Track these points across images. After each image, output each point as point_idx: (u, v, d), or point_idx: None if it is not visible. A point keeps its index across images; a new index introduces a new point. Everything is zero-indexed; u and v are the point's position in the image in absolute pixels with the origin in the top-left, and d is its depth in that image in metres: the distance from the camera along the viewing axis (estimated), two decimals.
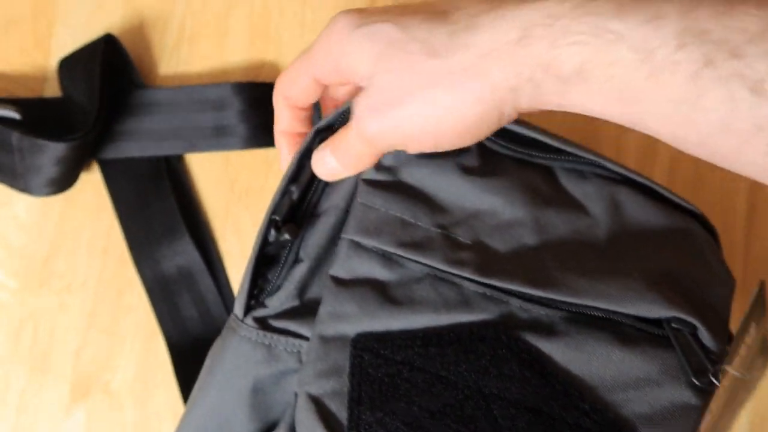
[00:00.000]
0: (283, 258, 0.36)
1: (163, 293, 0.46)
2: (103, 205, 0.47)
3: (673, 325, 0.32)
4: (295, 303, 0.36)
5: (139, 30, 0.48)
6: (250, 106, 0.47)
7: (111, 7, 0.48)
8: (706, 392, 0.32)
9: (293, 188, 0.35)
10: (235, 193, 0.47)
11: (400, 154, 0.36)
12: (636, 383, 0.31)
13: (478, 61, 0.29)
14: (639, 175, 0.36)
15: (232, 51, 0.48)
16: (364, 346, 0.33)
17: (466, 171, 0.35)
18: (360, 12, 0.32)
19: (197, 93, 0.47)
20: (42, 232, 0.46)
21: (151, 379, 0.46)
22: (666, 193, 0.36)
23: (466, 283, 0.33)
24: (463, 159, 0.36)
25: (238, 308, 0.36)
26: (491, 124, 0.30)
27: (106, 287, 0.46)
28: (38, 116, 0.46)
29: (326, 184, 0.36)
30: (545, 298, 0.33)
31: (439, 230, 0.34)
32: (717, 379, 0.31)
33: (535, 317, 0.33)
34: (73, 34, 0.48)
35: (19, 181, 0.45)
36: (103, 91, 0.45)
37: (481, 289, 0.33)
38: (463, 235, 0.34)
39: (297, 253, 0.36)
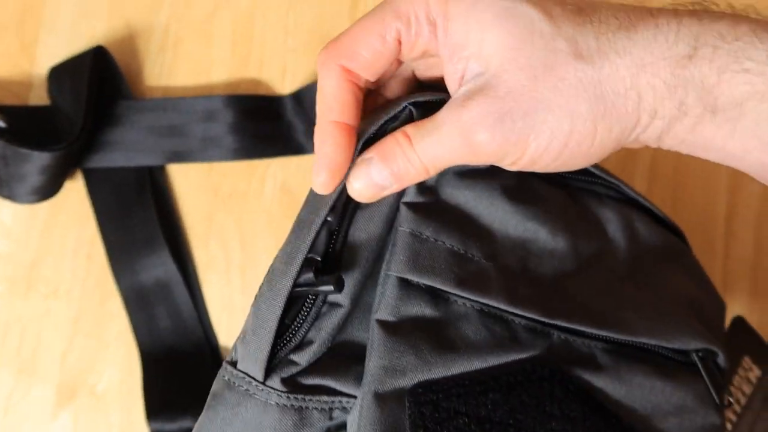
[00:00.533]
0: (310, 303, 0.30)
1: (139, 303, 0.47)
2: (87, 213, 0.47)
3: (700, 354, 0.33)
4: (324, 351, 0.31)
5: (125, 35, 0.48)
6: (240, 118, 0.47)
7: (96, 13, 0.48)
8: (723, 410, 0.33)
9: (330, 217, 0.29)
10: (218, 198, 0.48)
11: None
12: (675, 411, 0.32)
13: (631, 74, 0.25)
14: (641, 196, 0.35)
15: (216, 55, 0.48)
16: (423, 399, 0.29)
17: (507, 193, 0.32)
18: None
19: (186, 104, 0.47)
20: (28, 238, 0.46)
21: (136, 382, 0.46)
22: (661, 214, 0.36)
23: (512, 317, 0.31)
24: (502, 178, 0.32)
25: (255, 369, 0.30)
26: (615, 149, 0.26)
27: (91, 294, 0.47)
28: (24, 124, 0.46)
29: (356, 207, 0.30)
30: (590, 333, 0.31)
31: (491, 263, 0.31)
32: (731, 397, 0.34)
33: (575, 348, 0.31)
34: (59, 41, 0.48)
35: (3, 189, 0.45)
36: (90, 101, 0.45)
37: (525, 322, 0.31)
38: (513, 267, 0.31)
39: (326, 296, 0.30)
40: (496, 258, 0.31)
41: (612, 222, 0.34)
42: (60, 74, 0.47)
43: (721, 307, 0.37)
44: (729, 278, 0.49)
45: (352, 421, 0.30)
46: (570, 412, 0.30)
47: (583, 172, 0.34)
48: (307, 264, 0.29)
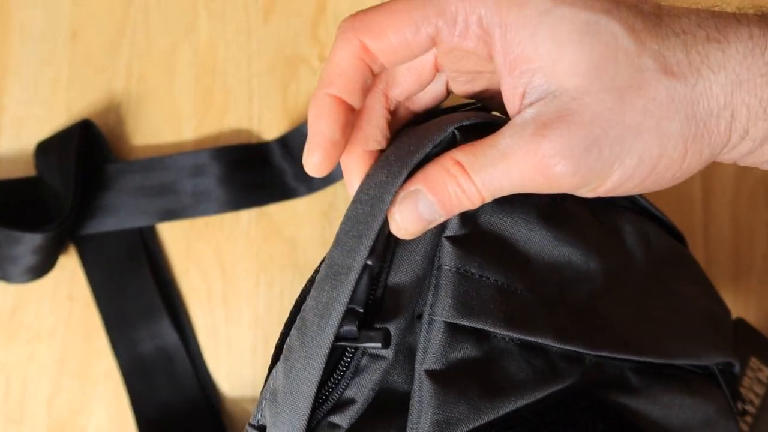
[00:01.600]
0: (348, 356, 0.27)
1: (139, 375, 0.46)
2: (63, 251, 0.47)
3: (720, 366, 0.33)
4: (365, 408, 0.28)
5: (88, 76, 0.48)
6: (229, 169, 0.47)
7: (59, 57, 0.48)
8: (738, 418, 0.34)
9: (371, 261, 0.26)
10: (195, 228, 0.48)
11: None
12: (701, 426, 0.32)
13: (725, 92, 0.22)
14: (652, 205, 0.35)
15: (180, 87, 0.49)
16: None
17: (543, 216, 0.30)
18: None
19: (173, 162, 0.47)
20: (6, 284, 0.46)
21: (126, 421, 0.46)
22: (668, 222, 0.35)
23: (550, 347, 0.29)
24: (536, 198, 0.29)
25: None
26: (701, 168, 0.24)
27: (74, 333, 0.46)
28: (10, 199, 0.46)
29: (396, 246, 0.27)
30: (630, 360, 0.30)
31: (532, 294, 0.29)
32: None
33: (606, 371, 0.30)
34: (25, 88, 0.48)
35: None
36: (79, 176, 0.45)
37: (561, 350, 0.29)
38: (552, 295, 0.29)
39: (365, 348, 0.27)
40: (536, 288, 0.29)
41: (630, 234, 0.33)
42: (47, 150, 0.47)
43: (728, 314, 0.37)
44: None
45: None
46: None
47: None
48: (348, 316, 0.26)
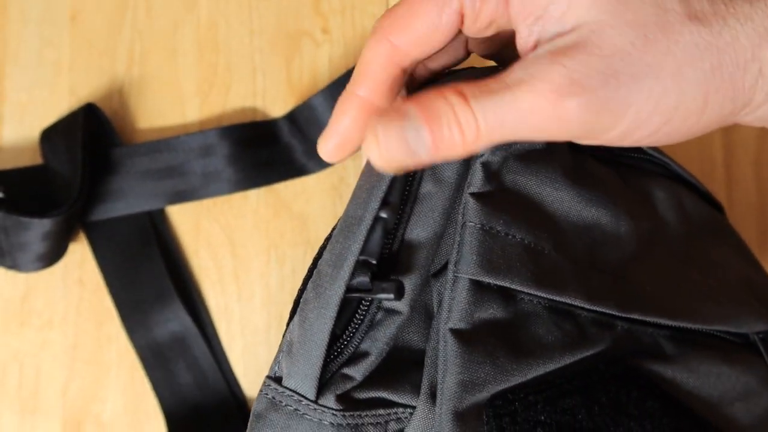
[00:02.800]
0: (363, 310, 0.28)
1: (157, 360, 0.45)
2: (72, 237, 0.46)
3: (761, 335, 0.31)
4: (379, 362, 0.28)
5: (90, 57, 0.48)
6: (238, 148, 0.46)
7: (59, 39, 0.48)
8: None
9: (385, 213, 0.27)
10: (203, 206, 0.47)
11: (497, 153, 0.28)
12: (741, 396, 0.30)
13: (753, 44, 0.21)
14: (687, 172, 0.34)
15: (184, 65, 0.48)
16: (501, 411, 0.27)
17: (568, 175, 0.29)
18: None
19: (181, 143, 0.46)
20: (16, 272, 0.46)
21: (141, 407, 0.45)
22: (704, 190, 0.34)
23: (580, 311, 0.28)
24: (560, 159, 0.29)
25: (306, 387, 0.27)
26: (720, 125, 0.23)
27: (86, 318, 0.46)
28: (19, 189, 0.45)
29: (414, 201, 0.28)
30: (663, 324, 0.29)
31: (560, 255, 0.28)
32: None
33: (639, 338, 0.29)
34: (26, 72, 0.47)
35: (6, 259, 0.44)
36: (86, 160, 0.44)
37: (592, 316, 0.29)
38: (582, 257, 0.28)
39: (380, 302, 0.28)
40: (565, 248, 0.28)
41: (662, 201, 0.32)
42: (52, 135, 0.46)
43: (766, 277, 0.35)
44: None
45: None
46: (647, 410, 0.28)
47: (634, 149, 0.32)
48: (361, 267, 0.26)
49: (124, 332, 0.45)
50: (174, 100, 0.48)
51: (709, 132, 0.24)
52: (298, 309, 0.28)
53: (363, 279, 0.26)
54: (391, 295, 0.26)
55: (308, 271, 0.29)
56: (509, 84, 0.22)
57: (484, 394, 0.27)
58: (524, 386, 0.27)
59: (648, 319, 0.29)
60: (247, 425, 0.44)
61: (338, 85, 0.46)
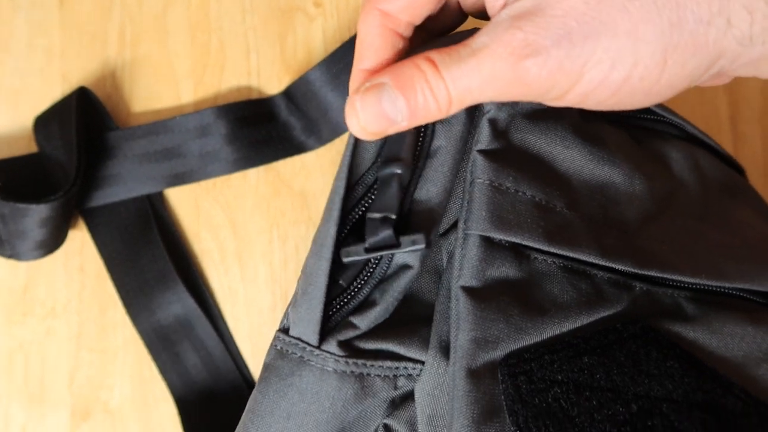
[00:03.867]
0: (374, 262, 0.28)
1: (162, 344, 0.45)
2: (71, 224, 0.46)
3: None
4: (387, 315, 0.28)
5: (81, 42, 0.47)
6: (235, 127, 0.46)
7: (49, 25, 0.47)
8: None
9: (399, 169, 0.27)
10: (202, 187, 0.46)
11: (503, 109, 0.27)
12: (766, 357, 0.29)
13: None
14: (703, 133, 0.33)
15: (176, 47, 0.47)
16: (516, 370, 0.26)
17: (579, 135, 0.29)
18: None
19: (177, 124, 0.46)
20: (16, 262, 0.45)
21: (149, 392, 0.45)
22: (722, 151, 0.34)
23: (596, 271, 0.28)
24: (570, 119, 0.29)
25: (309, 333, 0.27)
26: (686, 88, 0.23)
27: (89, 306, 0.45)
28: (15, 177, 0.45)
29: (426, 159, 0.28)
30: (673, 280, 0.29)
31: (573, 212, 0.28)
32: None
33: (659, 299, 0.29)
34: (17, 59, 0.47)
35: (6, 248, 0.44)
36: (81, 145, 0.44)
37: (608, 276, 0.28)
38: (596, 215, 0.28)
39: (392, 256, 0.28)
40: (578, 207, 0.28)
41: (678, 161, 0.31)
42: (46, 122, 0.46)
43: None
44: None
45: (422, 390, 0.27)
46: (667, 370, 0.27)
47: (645, 110, 0.31)
48: (381, 223, 0.27)
49: (128, 317, 0.45)
50: (168, 82, 0.47)
51: (680, 92, 0.23)
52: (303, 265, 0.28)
53: (387, 233, 0.27)
54: (422, 245, 0.26)
55: None
56: (474, 49, 0.23)
57: (498, 353, 0.26)
58: (540, 345, 0.27)
59: (666, 276, 0.28)
60: None
61: (334, 58, 0.45)
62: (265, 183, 0.46)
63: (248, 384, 0.45)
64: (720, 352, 0.28)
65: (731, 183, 0.33)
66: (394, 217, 0.27)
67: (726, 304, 0.29)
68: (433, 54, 0.23)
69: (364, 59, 0.25)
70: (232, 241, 0.46)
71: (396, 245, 0.27)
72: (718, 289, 0.29)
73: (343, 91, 0.45)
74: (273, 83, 0.47)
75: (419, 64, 0.23)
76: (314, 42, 0.47)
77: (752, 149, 0.47)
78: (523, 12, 0.22)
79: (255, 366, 0.45)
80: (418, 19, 0.25)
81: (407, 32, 0.26)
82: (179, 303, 0.45)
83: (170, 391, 0.44)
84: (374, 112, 0.24)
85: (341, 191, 0.27)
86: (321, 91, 0.45)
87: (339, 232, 0.27)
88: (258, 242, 0.45)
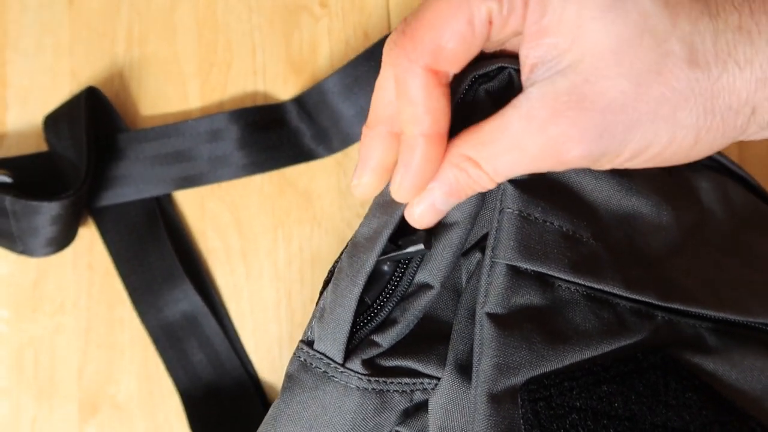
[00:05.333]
0: (396, 280, 0.29)
1: (169, 341, 0.45)
2: (81, 221, 0.46)
3: None
4: (407, 332, 0.29)
5: (89, 41, 0.48)
6: (246, 132, 0.46)
7: (58, 24, 0.48)
8: None
9: None
10: (208, 186, 0.47)
11: None
12: None
13: (749, 89, 0.21)
14: (734, 164, 0.33)
15: (183, 45, 0.48)
16: (536, 395, 0.27)
17: None
18: None
19: (189, 127, 0.46)
20: (26, 258, 0.46)
21: (156, 387, 0.45)
22: (754, 182, 0.34)
23: (618, 300, 0.29)
24: None
25: (334, 350, 0.28)
26: (714, 152, 0.24)
27: (98, 302, 0.46)
28: (26, 175, 0.45)
29: None
30: (698, 314, 0.29)
31: (599, 243, 0.28)
32: None
33: (681, 329, 0.29)
34: (27, 58, 0.47)
35: (17, 244, 0.44)
36: (91, 143, 0.44)
37: (630, 305, 0.29)
38: (622, 246, 0.29)
39: (413, 276, 0.29)
40: (604, 237, 0.28)
41: (707, 192, 0.32)
42: (55, 121, 0.46)
43: None
44: None
45: (435, 404, 0.28)
46: (686, 401, 0.27)
47: None
48: (392, 242, 0.28)
49: (136, 314, 0.46)
50: (175, 80, 0.47)
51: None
52: (332, 278, 0.29)
53: (389, 245, 0.28)
54: (421, 246, 0.27)
55: (346, 246, 0.30)
56: (513, 141, 0.23)
57: (519, 378, 0.27)
58: (560, 372, 0.27)
59: (689, 309, 0.28)
60: (261, 401, 0.44)
61: (348, 70, 0.45)
62: (270, 183, 0.46)
63: (252, 380, 0.45)
64: (739, 385, 0.28)
65: (760, 215, 0.33)
66: (400, 243, 0.28)
67: (747, 337, 0.29)
68: (468, 150, 0.24)
69: (422, 124, 0.24)
70: (238, 240, 0.46)
71: (399, 247, 0.28)
72: (740, 322, 0.29)
73: (354, 102, 0.45)
74: (279, 82, 0.47)
75: (458, 164, 0.25)
76: (320, 42, 0.47)
77: (757, 152, 0.46)
78: (559, 105, 0.22)
79: (259, 362, 0.46)
80: (462, 68, 0.24)
81: (448, 80, 0.25)
82: (186, 300, 0.45)
83: (176, 386, 0.45)
84: (431, 213, 0.26)
85: (392, 226, 0.27)
86: (334, 101, 0.45)
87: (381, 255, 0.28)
88: (263, 241, 0.46)
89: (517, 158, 0.23)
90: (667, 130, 0.22)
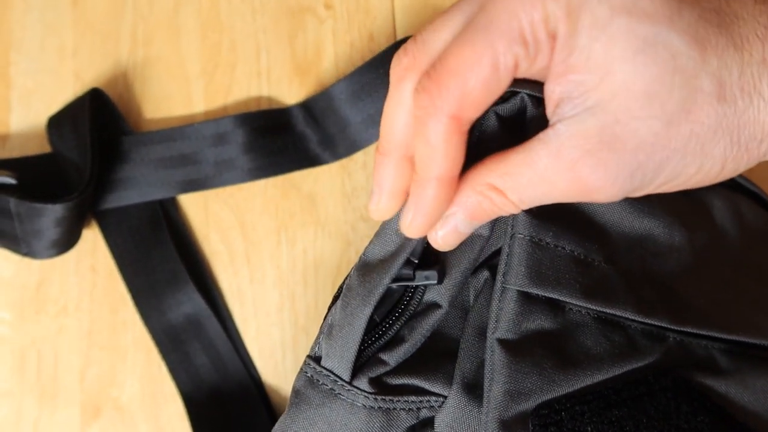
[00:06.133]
0: (405, 300, 0.29)
1: (172, 344, 0.45)
2: (85, 223, 0.46)
3: None
4: (414, 351, 0.29)
5: (93, 42, 0.47)
6: (252, 136, 0.46)
7: (62, 25, 0.48)
8: None
9: None
10: (212, 190, 0.46)
11: None
12: None
13: None
14: (748, 181, 0.33)
15: (187, 46, 0.47)
16: (547, 420, 0.27)
17: None
18: None
19: (194, 131, 0.46)
20: (29, 260, 0.46)
21: (158, 390, 0.45)
22: (763, 195, 0.34)
23: (629, 322, 0.28)
24: None
25: (341, 368, 0.28)
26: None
27: (100, 305, 0.46)
28: (30, 176, 0.45)
29: None
30: (709, 336, 0.29)
31: (611, 267, 0.28)
32: None
33: (692, 351, 0.29)
34: (30, 59, 0.47)
35: (22, 246, 0.44)
36: (95, 145, 0.44)
37: (642, 327, 0.29)
38: (634, 269, 0.28)
39: (422, 295, 0.29)
40: (616, 261, 0.28)
41: (720, 210, 0.31)
42: (59, 122, 0.46)
43: None
44: None
45: (441, 422, 0.28)
46: (697, 425, 0.27)
47: None
48: (406, 264, 0.28)
49: (139, 317, 0.45)
50: (179, 81, 0.47)
51: None
52: (341, 295, 0.29)
53: (406, 271, 0.28)
54: (434, 281, 0.28)
55: (359, 260, 0.30)
56: (542, 176, 0.23)
57: (530, 403, 0.27)
58: (571, 396, 0.27)
59: (701, 332, 0.28)
60: (264, 405, 0.44)
61: (356, 77, 0.45)
62: (274, 185, 0.46)
63: (255, 383, 0.45)
64: (752, 407, 0.28)
65: None
66: (416, 261, 0.28)
67: (760, 359, 0.29)
68: (494, 179, 0.24)
69: (438, 168, 0.24)
70: (241, 243, 0.46)
71: (411, 279, 0.28)
72: (753, 344, 0.29)
73: (362, 108, 0.45)
74: (283, 84, 0.47)
75: (483, 191, 0.24)
76: (324, 44, 0.47)
77: None
78: (589, 138, 0.22)
79: (262, 366, 0.45)
80: (481, 107, 0.24)
81: (469, 125, 0.25)
82: (189, 303, 0.45)
83: (179, 389, 0.45)
84: (454, 236, 0.26)
85: (409, 251, 0.28)
86: (341, 107, 0.45)
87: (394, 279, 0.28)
88: (266, 244, 0.46)
89: (545, 191, 0.24)
90: (695, 163, 0.23)
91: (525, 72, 0.23)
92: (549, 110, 0.24)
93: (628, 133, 0.22)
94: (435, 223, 0.26)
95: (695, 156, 0.22)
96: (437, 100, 0.23)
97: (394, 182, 0.27)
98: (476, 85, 0.23)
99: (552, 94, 0.23)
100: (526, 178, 0.24)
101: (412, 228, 0.26)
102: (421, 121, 0.24)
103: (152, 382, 0.45)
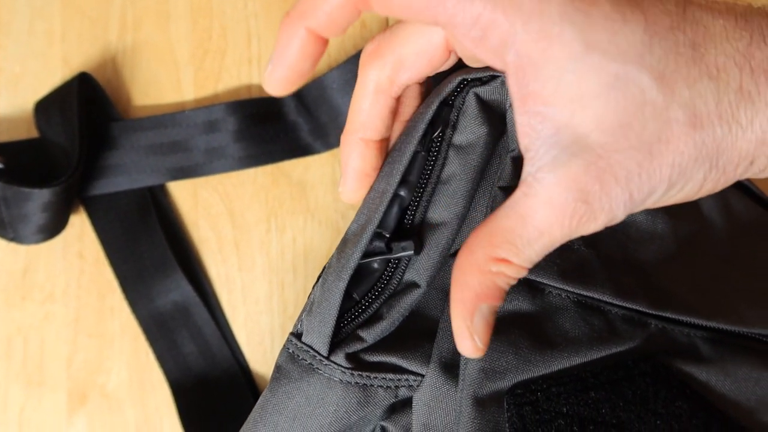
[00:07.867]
0: (385, 279, 0.29)
1: (160, 331, 0.45)
2: (72, 209, 0.46)
3: None
4: (393, 329, 0.30)
5: (82, 26, 0.47)
6: (244, 124, 0.45)
7: (50, 8, 0.47)
8: None
9: (403, 192, 0.29)
10: (201, 177, 0.46)
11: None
12: None
13: (749, 147, 0.22)
14: None
15: (177, 32, 0.47)
16: (522, 400, 0.27)
17: None
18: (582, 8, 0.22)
19: (185, 118, 0.45)
20: (16, 245, 0.45)
21: (146, 377, 0.45)
22: (756, 191, 0.34)
23: (609, 307, 0.29)
24: None
25: (320, 343, 0.29)
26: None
27: (87, 291, 0.45)
28: (17, 161, 0.45)
29: (437, 183, 0.29)
30: (690, 322, 0.29)
31: (591, 251, 0.29)
32: None
33: (674, 338, 0.29)
34: (18, 42, 0.47)
35: (8, 231, 0.44)
36: (83, 130, 0.44)
37: (623, 312, 0.29)
38: (614, 254, 0.29)
39: (402, 274, 0.30)
40: (596, 245, 0.29)
41: (707, 201, 0.32)
42: (47, 107, 0.45)
43: None
44: None
45: (419, 401, 0.29)
46: (675, 410, 0.27)
47: None
48: (376, 237, 0.28)
49: (126, 304, 0.45)
50: (168, 67, 0.47)
51: None
52: (322, 273, 0.30)
53: (378, 244, 0.28)
54: (411, 251, 0.28)
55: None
56: (542, 230, 0.23)
57: (505, 382, 0.27)
58: (548, 378, 0.28)
59: (681, 318, 0.28)
60: (252, 392, 0.44)
61: (348, 66, 0.44)
62: (264, 173, 0.46)
63: (243, 371, 0.45)
64: (733, 395, 0.28)
65: (762, 223, 0.33)
66: (387, 235, 0.28)
67: (742, 347, 0.29)
68: (499, 252, 0.24)
69: (363, 129, 0.28)
70: (231, 230, 0.46)
71: (389, 250, 0.29)
72: (735, 332, 0.29)
73: None
74: None
75: (491, 269, 0.24)
76: None
77: None
78: (577, 179, 0.22)
79: (250, 353, 0.45)
80: (420, 80, 0.27)
81: (401, 91, 0.28)
82: (177, 290, 0.45)
83: (166, 376, 0.45)
84: (488, 329, 0.25)
85: (376, 222, 0.28)
86: (333, 96, 0.45)
87: (367, 253, 0.29)
88: (256, 232, 0.45)
89: (547, 242, 0.24)
90: (678, 187, 0.23)
91: (471, 52, 0.24)
92: (522, 146, 0.24)
93: (614, 165, 0.22)
94: (367, 183, 0.29)
95: (678, 183, 0.23)
96: (377, 59, 0.26)
97: (358, 163, 0.28)
98: (413, 50, 0.26)
99: (526, 126, 0.23)
100: (526, 238, 0.24)
101: (343, 186, 0.29)
102: (359, 85, 0.27)
103: (140, 369, 0.45)
